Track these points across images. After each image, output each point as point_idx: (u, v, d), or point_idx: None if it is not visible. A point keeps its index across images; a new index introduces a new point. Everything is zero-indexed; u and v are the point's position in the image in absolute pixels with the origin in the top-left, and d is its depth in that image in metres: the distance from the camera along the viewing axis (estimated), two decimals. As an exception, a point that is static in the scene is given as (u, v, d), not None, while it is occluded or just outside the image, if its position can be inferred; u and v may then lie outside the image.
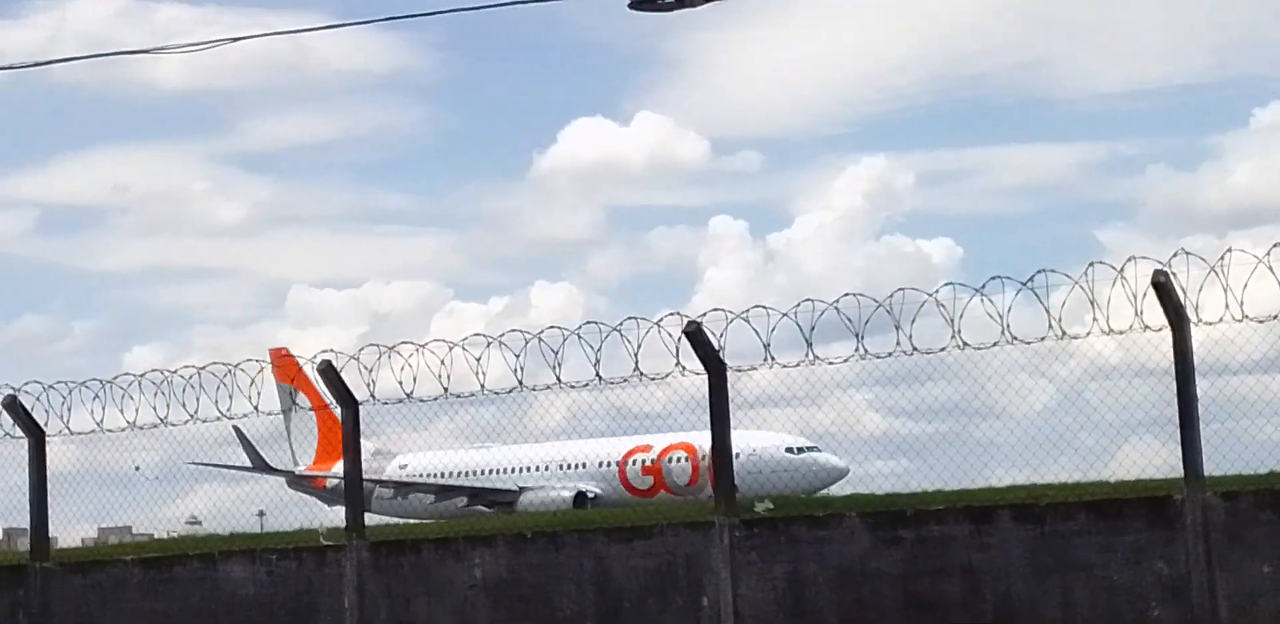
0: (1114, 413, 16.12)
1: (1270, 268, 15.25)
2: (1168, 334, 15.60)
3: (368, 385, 18.76)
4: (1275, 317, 15.33)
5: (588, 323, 17.99)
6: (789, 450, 52.49)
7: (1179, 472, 15.57)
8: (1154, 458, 16.11)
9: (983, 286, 16.35)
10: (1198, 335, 15.60)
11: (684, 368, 17.51)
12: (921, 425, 18.20)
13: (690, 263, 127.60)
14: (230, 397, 19.21)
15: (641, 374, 17.87)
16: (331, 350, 18.96)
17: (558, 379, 18.03)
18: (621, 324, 17.82)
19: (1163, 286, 15.44)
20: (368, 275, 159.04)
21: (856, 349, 16.88)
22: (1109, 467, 16.90)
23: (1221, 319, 15.43)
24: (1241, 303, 15.32)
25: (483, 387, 18.32)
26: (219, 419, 19.50)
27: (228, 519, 21.67)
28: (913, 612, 16.20)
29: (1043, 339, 16.17)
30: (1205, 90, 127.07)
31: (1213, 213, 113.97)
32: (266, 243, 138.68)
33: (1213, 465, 15.60)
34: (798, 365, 17.30)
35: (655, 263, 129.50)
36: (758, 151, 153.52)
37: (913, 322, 16.58)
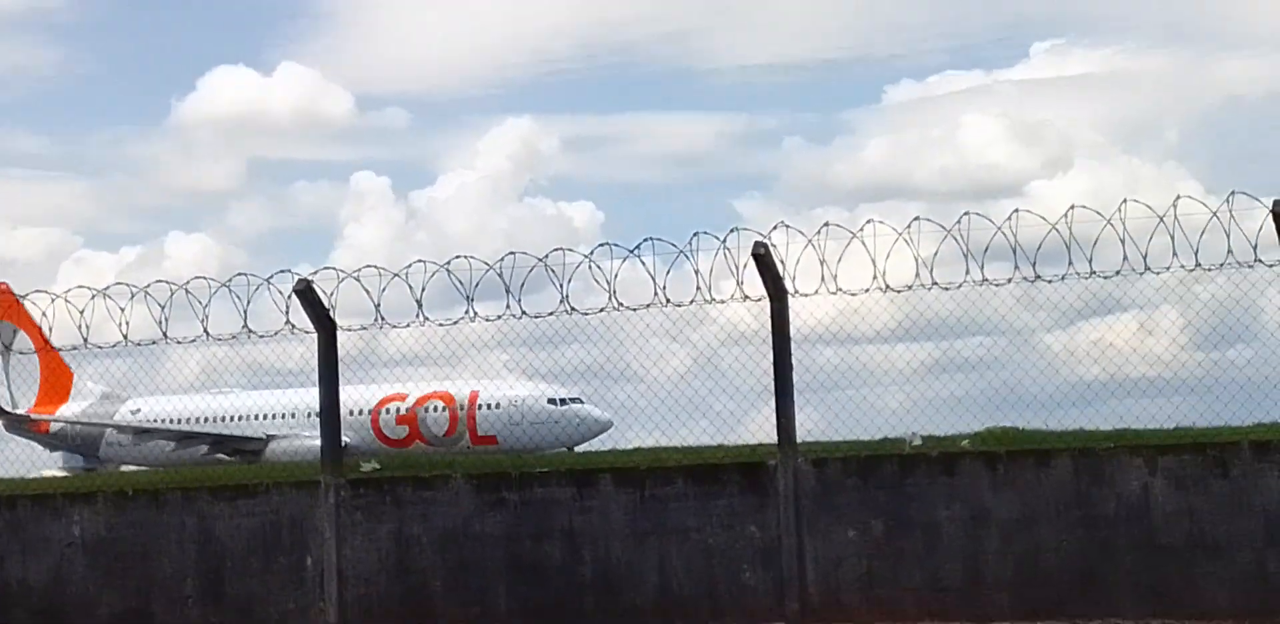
0: (750, 378, 16.50)
1: (864, 242, 15.77)
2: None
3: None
4: (867, 290, 15.88)
5: (195, 278, 17.74)
6: (551, 402, 50.45)
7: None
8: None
9: (590, 253, 16.65)
10: (838, 304, 16.10)
11: (293, 326, 17.40)
12: (561, 387, 18.33)
13: (331, 218, 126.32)
14: None
15: (250, 331, 17.69)
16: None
17: (206, 332, 17.70)
18: (231, 280, 17.60)
19: (762, 259, 15.82)
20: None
21: (467, 311, 17.01)
22: (746, 429, 17.30)
23: (817, 291, 15.94)
24: (836, 276, 15.83)
25: (125, 337, 17.95)
26: None
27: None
28: (515, 574, 16.41)
29: (648, 306, 16.49)
30: (842, 66, 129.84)
31: (845, 186, 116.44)
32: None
33: (846, 431, 16.34)
34: (407, 326, 17.37)
35: (296, 216, 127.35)
36: (404, 109, 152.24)
37: (522, 285, 16.78)
